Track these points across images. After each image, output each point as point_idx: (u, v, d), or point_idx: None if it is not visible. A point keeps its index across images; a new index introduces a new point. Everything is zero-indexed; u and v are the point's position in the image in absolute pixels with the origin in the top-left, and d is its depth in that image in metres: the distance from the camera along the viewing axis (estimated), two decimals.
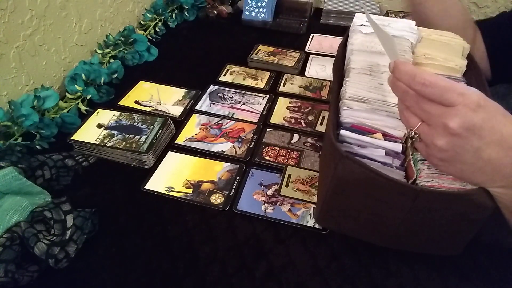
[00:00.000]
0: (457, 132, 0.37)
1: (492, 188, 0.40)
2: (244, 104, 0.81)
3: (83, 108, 0.77)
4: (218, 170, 0.66)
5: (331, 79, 0.77)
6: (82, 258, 0.51)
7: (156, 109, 0.79)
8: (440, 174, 0.45)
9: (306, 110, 0.79)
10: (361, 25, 0.62)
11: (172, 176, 0.64)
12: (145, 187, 0.62)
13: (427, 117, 0.39)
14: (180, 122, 0.76)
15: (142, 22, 1.06)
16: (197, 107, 0.80)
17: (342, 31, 0.72)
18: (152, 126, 0.70)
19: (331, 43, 1.03)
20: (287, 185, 0.62)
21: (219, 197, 0.61)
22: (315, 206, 0.59)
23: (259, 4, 1.10)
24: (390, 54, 0.43)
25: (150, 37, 1.03)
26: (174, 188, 0.62)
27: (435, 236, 0.49)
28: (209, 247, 0.54)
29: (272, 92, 0.84)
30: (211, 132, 0.73)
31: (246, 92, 0.84)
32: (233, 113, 0.78)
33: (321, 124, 0.75)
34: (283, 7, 1.15)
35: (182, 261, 0.52)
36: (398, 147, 0.49)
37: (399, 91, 0.41)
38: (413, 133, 0.41)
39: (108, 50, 0.91)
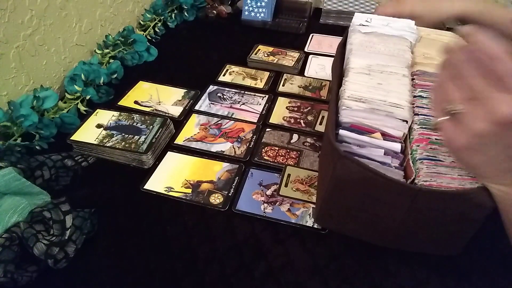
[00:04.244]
0: (502, 122, 0.33)
1: (497, 185, 0.39)
2: (243, 104, 0.81)
3: (82, 108, 0.77)
4: (217, 170, 0.66)
5: (331, 79, 0.77)
6: (81, 258, 0.52)
7: (156, 109, 0.79)
8: (438, 174, 0.45)
9: (305, 110, 0.79)
10: (360, 25, 0.62)
11: (171, 176, 0.64)
12: (144, 187, 0.63)
13: (474, 95, 0.35)
14: (179, 122, 0.76)
15: (141, 22, 1.06)
16: (197, 107, 0.80)
17: (342, 31, 0.72)
18: (151, 126, 0.70)
19: (330, 43, 1.03)
20: (286, 185, 0.62)
21: (218, 197, 0.61)
22: (314, 206, 0.59)
23: (259, 4, 1.10)
24: None
25: (149, 37, 1.03)
26: (173, 188, 0.62)
27: (434, 236, 0.49)
28: (208, 247, 0.54)
29: (272, 92, 0.84)
30: (211, 132, 0.73)
31: (246, 92, 0.84)
32: (233, 113, 0.78)
33: (320, 124, 0.75)
34: (283, 7, 1.15)
35: (181, 261, 0.52)
36: (397, 147, 0.49)
37: (457, 59, 0.37)
38: (452, 107, 0.36)
39: (107, 50, 0.91)
